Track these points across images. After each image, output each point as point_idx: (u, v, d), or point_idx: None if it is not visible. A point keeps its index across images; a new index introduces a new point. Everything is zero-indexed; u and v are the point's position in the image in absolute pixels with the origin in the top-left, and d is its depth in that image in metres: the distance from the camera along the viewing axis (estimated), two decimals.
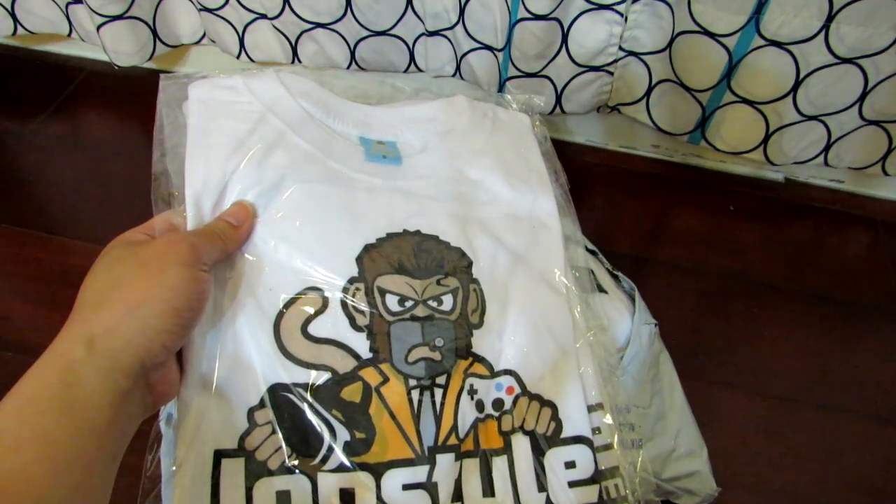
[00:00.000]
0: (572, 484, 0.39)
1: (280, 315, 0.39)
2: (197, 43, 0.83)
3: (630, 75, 0.70)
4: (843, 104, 0.64)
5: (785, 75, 0.62)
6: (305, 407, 0.37)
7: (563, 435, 0.41)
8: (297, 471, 0.36)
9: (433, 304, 0.42)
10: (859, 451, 0.56)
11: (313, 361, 0.38)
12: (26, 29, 0.82)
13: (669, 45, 0.65)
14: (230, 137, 0.41)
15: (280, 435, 0.37)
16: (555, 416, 0.41)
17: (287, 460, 0.36)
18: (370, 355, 0.39)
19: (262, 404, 0.37)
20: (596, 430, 0.41)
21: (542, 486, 0.39)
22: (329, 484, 0.36)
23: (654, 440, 0.49)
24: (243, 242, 0.38)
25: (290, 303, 0.39)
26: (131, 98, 0.85)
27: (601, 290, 0.51)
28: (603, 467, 0.40)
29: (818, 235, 0.73)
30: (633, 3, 0.63)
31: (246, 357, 0.38)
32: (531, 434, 0.41)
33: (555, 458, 0.40)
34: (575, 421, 0.41)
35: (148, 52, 0.79)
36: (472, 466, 0.39)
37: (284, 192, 0.41)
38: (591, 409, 0.42)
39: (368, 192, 0.44)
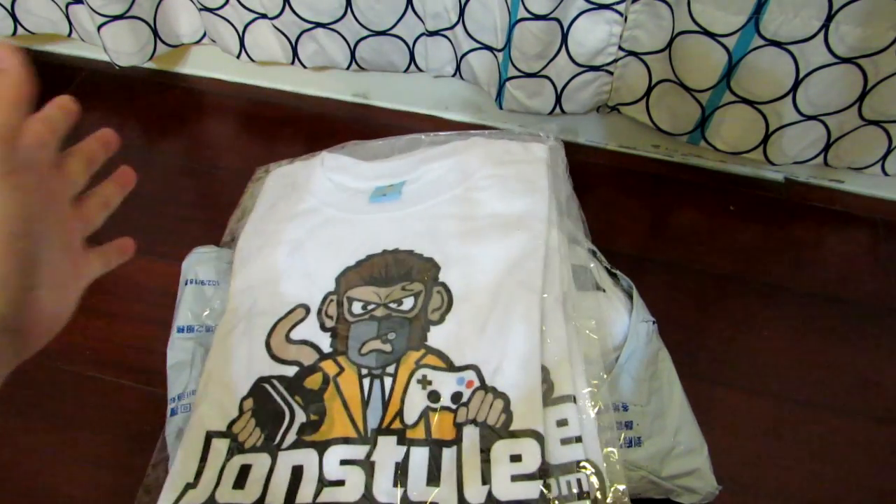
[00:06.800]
0: (515, 478, 0.39)
1: (273, 329, 0.49)
2: (197, 42, 0.83)
3: (630, 75, 0.70)
4: (843, 104, 0.64)
5: (785, 75, 0.62)
6: (276, 395, 0.45)
7: (513, 427, 0.41)
8: (263, 449, 0.43)
9: (393, 305, 0.48)
10: (859, 452, 0.55)
11: (288, 358, 0.47)
12: (26, 29, 0.82)
13: (669, 45, 0.65)
14: (279, 213, 0.58)
15: (255, 419, 0.45)
16: (506, 408, 0.41)
17: (258, 441, 0.44)
18: (330, 350, 0.47)
19: (248, 395, 0.46)
20: (562, 422, 0.40)
21: (486, 479, 0.39)
22: (284, 460, 0.43)
23: (653, 438, 0.49)
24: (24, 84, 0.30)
25: (280, 319, 0.50)
26: (131, 98, 0.85)
27: (599, 288, 0.51)
28: (557, 462, 0.39)
29: (818, 235, 0.73)
30: (633, 3, 0.63)
31: (244, 361, 0.48)
32: (482, 425, 0.41)
33: (502, 450, 0.40)
34: (526, 414, 0.41)
35: (148, 52, 0.79)
36: (420, 455, 0.41)
37: (306, 242, 0.54)
38: (556, 401, 0.41)
39: (358, 226, 0.55)
